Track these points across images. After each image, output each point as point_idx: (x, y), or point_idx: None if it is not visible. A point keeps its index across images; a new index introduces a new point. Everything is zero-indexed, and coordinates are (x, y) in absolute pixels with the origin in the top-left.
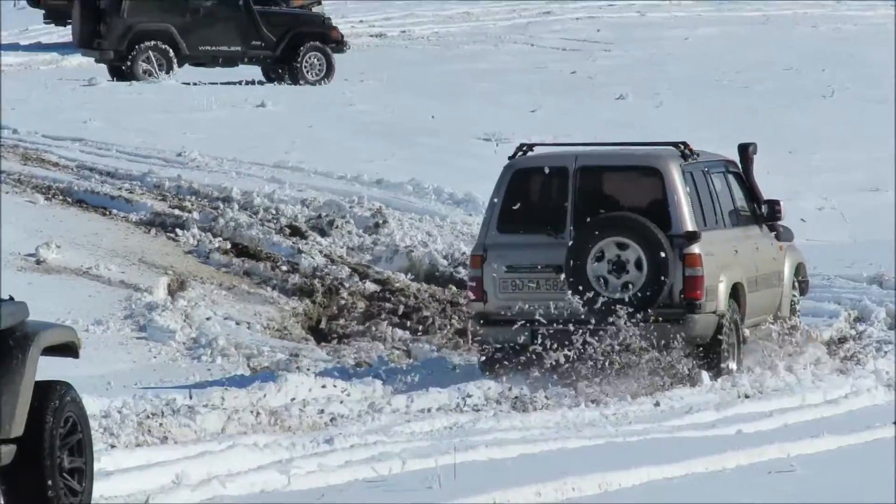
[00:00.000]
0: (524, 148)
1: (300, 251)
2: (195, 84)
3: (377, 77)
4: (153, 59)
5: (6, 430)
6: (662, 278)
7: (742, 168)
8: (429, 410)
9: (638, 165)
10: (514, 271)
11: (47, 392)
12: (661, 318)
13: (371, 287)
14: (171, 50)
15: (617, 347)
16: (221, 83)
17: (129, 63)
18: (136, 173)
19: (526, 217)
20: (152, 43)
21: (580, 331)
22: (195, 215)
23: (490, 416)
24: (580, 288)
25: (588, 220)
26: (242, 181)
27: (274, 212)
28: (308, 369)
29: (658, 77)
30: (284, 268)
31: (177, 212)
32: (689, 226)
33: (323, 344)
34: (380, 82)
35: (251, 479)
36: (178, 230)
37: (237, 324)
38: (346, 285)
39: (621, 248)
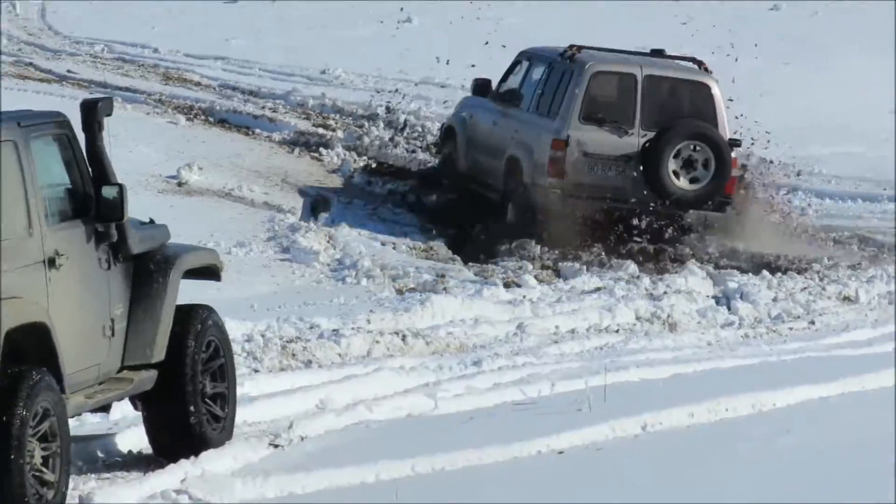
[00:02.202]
0: (573, 49)
1: None
2: None
3: None
4: None
5: (147, 355)
6: (724, 176)
7: None
8: (578, 331)
9: (692, 80)
10: (592, 157)
11: (189, 316)
12: (711, 208)
13: None
14: None
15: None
16: None
17: None
18: (279, 92)
19: (601, 113)
20: None
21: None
22: (339, 134)
23: (641, 335)
24: (656, 180)
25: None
26: (387, 98)
27: (420, 129)
28: (455, 290)
29: None
30: None
31: (321, 131)
32: (729, 134)
33: (470, 264)
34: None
35: (397, 402)
36: (322, 149)
37: (382, 245)
38: None
39: (695, 150)
